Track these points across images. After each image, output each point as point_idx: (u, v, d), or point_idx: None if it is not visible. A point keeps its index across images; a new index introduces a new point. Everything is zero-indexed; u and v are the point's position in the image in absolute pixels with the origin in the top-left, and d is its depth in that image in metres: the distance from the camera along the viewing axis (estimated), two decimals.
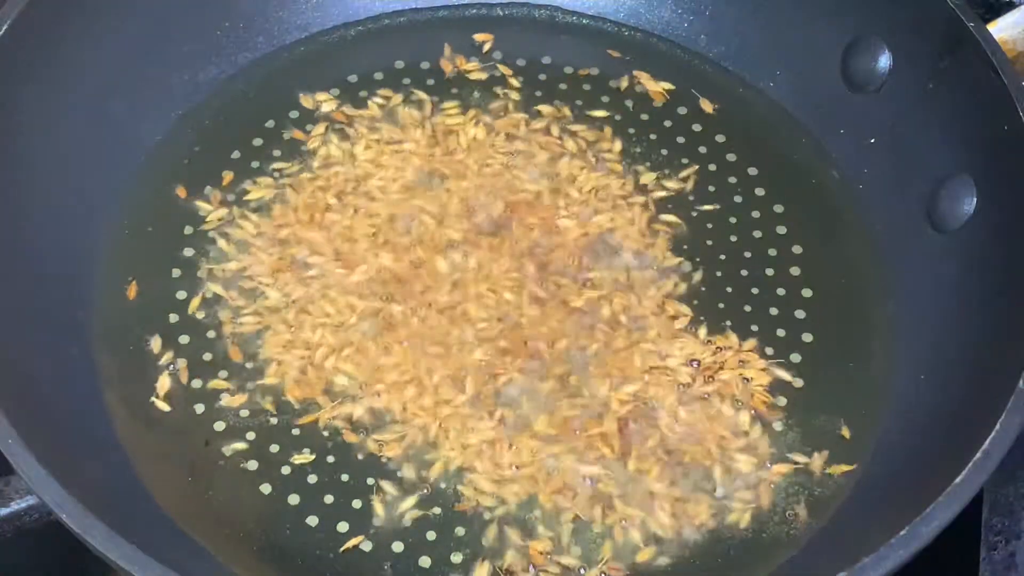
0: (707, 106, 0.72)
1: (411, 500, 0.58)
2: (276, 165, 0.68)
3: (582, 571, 0.56)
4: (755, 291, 0.65)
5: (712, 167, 0.69)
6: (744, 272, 0.66)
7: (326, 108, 0.71)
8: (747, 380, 0.62)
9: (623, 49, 0.74)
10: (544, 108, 0.71)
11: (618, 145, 0.70)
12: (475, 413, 0.60)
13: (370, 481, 0.58)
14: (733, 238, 0.67)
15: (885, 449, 0.60)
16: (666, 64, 0.73)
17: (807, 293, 0.65)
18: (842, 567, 0.48)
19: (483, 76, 0.72)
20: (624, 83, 0.72)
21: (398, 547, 0.57)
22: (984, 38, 0.63)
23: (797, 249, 0.67)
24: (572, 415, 0.60)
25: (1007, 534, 0.58)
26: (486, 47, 0.73)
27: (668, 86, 0.72)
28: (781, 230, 0.67)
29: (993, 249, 0.61)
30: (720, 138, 0.71)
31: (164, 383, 0.61)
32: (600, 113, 0.71)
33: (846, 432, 0.60)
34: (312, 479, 0.58)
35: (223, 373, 0.61)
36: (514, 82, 0.72)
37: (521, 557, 0.57)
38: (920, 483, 0.53)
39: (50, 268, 0.62)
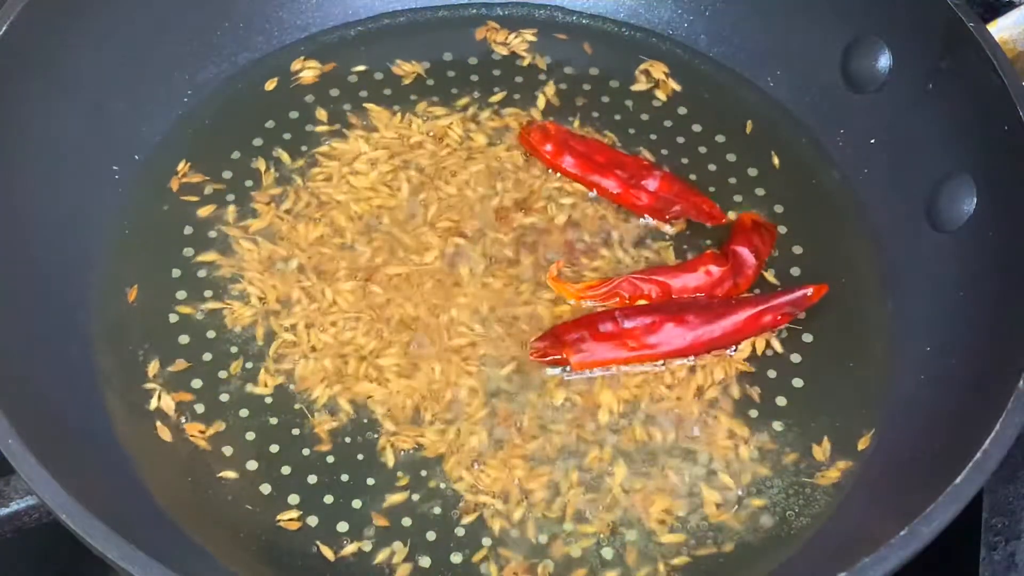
0: (706, 106, 0.72)
1: (411, 500, 0.58)
2: (276, 165, 0.68)
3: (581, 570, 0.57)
4: (756, 291, 0.65)
5: (712, 167, 0.69)
6: None
7: (325, 107, 0.71)
8: (747, 380, 0.62)
9: (623, 49, 0.74)
10: (544, 108, 0.71)
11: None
12: (476, 414, 0.60)
13: (370, 481, 0.58)
14: None
15: (885, 449, 0.60)
16: (666, 64, 0.73)
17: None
18: (842, 567, 0.48)
19: (519, 48, 0.73)
20: (624, 83, 0.72)
21: (398, 547, 0.57)
22: (984, 38, 0.63)
23: (797, 249, 0.67)
24: (574, 417, 0.60)
25: (1007, 534, 0.58)
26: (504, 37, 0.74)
27: (672, 84, 0.72)
28: (781, 230, 0.67)
29: (993, 249, 0.61)
30: (720, 138, 0.71)
31: (163, 383, 0.61)
32: (600, 113, 0.71)
33: (846, 432, 0.60)
34: (312, 479, 0.58)
35: (222, 373, 0.61)
36: (514, 82, 0.72)
37: (522, 557, 0.57)
38: (920, 483, 0.53)
39: (50, 268, 0.62)
